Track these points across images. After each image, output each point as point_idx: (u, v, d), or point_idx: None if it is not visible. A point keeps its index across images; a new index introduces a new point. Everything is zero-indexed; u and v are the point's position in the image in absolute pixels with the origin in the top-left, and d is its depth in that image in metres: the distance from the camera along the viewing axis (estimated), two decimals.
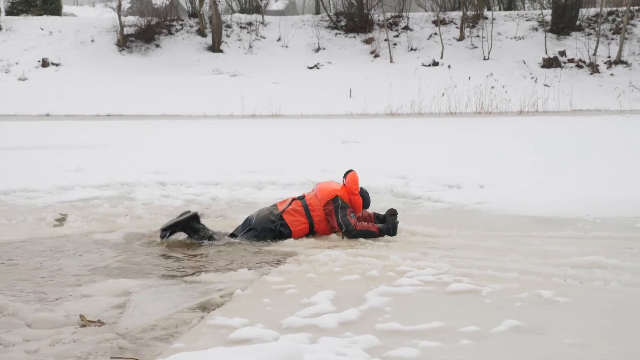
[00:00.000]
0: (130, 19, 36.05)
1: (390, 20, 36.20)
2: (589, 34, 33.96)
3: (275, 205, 7.19)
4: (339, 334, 4.18)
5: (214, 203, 8.86)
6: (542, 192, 8.89)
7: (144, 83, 30.08)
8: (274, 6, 46.40)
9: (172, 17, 36.51)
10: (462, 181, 9.68)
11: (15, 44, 34.38)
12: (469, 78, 28.08)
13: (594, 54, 32.24)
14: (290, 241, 6.79)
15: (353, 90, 28.42)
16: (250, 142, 15.29)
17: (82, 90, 28.82)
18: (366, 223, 6.96)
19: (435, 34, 34.71)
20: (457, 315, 4.47)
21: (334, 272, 5.58)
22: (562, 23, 34.13)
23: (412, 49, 34.33)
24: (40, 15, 37.61)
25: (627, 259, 5.71)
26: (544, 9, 36.24)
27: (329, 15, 36.73)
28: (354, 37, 35.41)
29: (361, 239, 6.79)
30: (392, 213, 7.12)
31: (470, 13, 35.89)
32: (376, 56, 33.95)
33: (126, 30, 34.85)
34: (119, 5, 35.03)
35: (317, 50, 34.52)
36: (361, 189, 7.19)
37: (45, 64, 33.06)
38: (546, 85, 29.20)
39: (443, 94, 26.24)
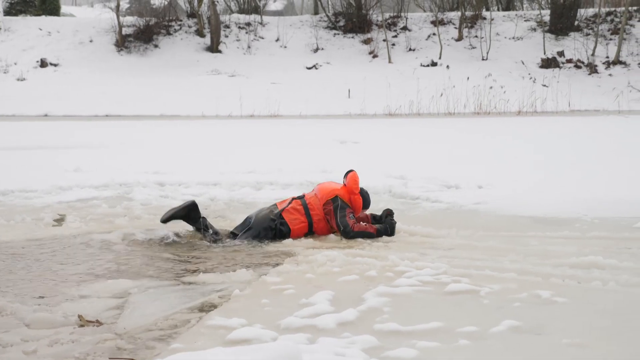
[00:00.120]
0: (129, 19, 36.02)
1: (389, 21, 36.20)
2: (588, 35, 33.97)
3: (275, 204, 7.21)
4: (337, 334, 4.19)
5: (212, 203, 8.86)
6: (541, 192, 8.89)
7: (142, 83, 30.06)
8: (272, 6, 46.43)
9: (171, 18, 36.49)
10: (461, 181, 9.69)
11: (13, 44, 34.35)
12: (468, 78, 28.08)
13: (593, 55, 32.25)
14: (288, 241, 6.80)
15: (351, 91, 28.42)
16: (248, 142, 15.28)
17: (80, 91, 28.80)
18: (364, 224, 6.97)
19: (434, 34, 34.71)
20: (455, 316, 4.47)
21: (332, 272, 5.58)
22: (561, 23, 34.14)
23: (410, 50, 34.33)
24: (39, 15, 37.59)
25: (626, 259, 5.72)
26: (543, 9, 36.25)
27: (327, 16, 36.72)
28: (353, 37, 35.40)
29: (359, 239, 6.80)
30: (389, 213, 7.13)
31: (468, 13, 35.89)
32: (375, 56, 33.95)
33: (125, 31, 34.83)
34: (118, 6, 35.01)
35: (316, 50, 34.52)
36: (361, 189, 7.20)
37: (43, 64, 33.04)
38: (544, 85, 29.20)
39: (441, 95, 26.23)
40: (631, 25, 34.04)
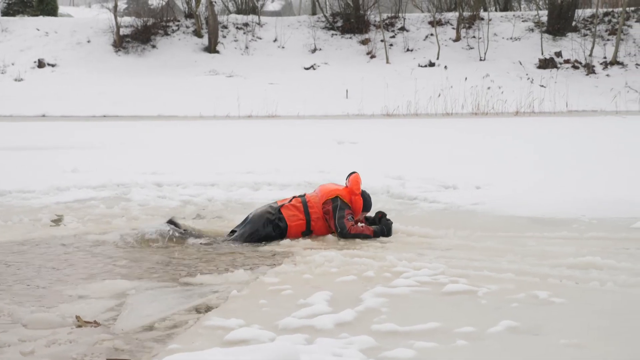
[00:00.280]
0: (127, 20, 36.00)
1: (387, 21, 36.21)
2: (585, 35, 33.99)
3: (275, 202, 7.23)
4: (335, 334, 4.18)
5: (210, 204, 8.85)
6: (540, 193, 8.89)
7: (140, 84, 30.04)
8: (270, 7, 46.42)
9: (169, 18, 36.47)
10: (459, 182, 9.69)
11: (11, 45, 34.32)
12: (465, 79, 28.09)
13: (590, 55, 32.28)
14: (286, 242, 6.80)
15: (349, 91, 28.42)
16: (246, 143, 15.27)
17: (78, 91, 28.78)
18: (361, 226, 6.97)
19: (432, 34, 34.72)
20: (453, 316, 4.47)
21: (330, 272, 5.58)
22: (558, 24, 34.16)
23: (408, 50, 34.34)
24: (37, 15, 37.56)
25: (623, 259, 5.72)
26: (540, 9, 36.27)
27: (325, 16, 36.72)
28: (350, 37, 35.41)
29: (357, 240, 6.80)
30: (382, 216, 7.12)
31: (466, 14, 35.91)
32: (372, 57, 33.96)
33: (122, 31, 34.81)
34: (115, 6, 34.99)
35: (314, 51, 34.52)
36: (363, 191, 7.21)
37: (41, 64, 33.01)
38: (542, 86, 29.22)
39: (439, 95, 26.24)
40: (629, 26, 34.07)
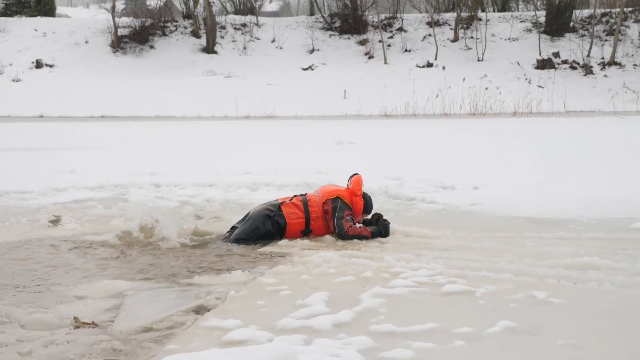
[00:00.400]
0: (124, 20, 35.98)
1: (385, 22, 36.22)
2: (583, 36, 34.02)
3: (276, 199, 7.24)
4: (333, 335, 4.18)
5: (208, 204, 8.85)
6: (538, 193, 8.90)
7: (138, 84, 30.03)
8: (268, 7, 46.37)
9: (166, 19, 36.45)
10: (457, 182, 9.69)
11: (8, 45, 34.30)
12: (463, 79, 28.11)
13: (588, 56, 32.31)
14: (284, 242, 6.80)
15: (347, 92, 28.43)
16: (244, 143, 15.27)
17: (76, 92, 28.76)
18: (359, 227, 6.97)
19: (430, 35, 34.74)
20: (451, 317, 4.47)
21: (328, 273, 5.58)
22: (556, 24, 34.20)
23: (406, 50, 34.35)
24: (34, 16, 37.52)
25: (621, 260, 5.72)
26: (538, 10, 36.30)
27: (323, 17, 36.73)
28: (348, 38, 35.42)
29: (355, 240, 6.80)
30: (379, 217, 7.12)
31: (464, 14, 35.92)
32: (370, 57, 33.98)
33: (120, 32, 34.79)
34: (113, 7, 34.98)
35: (312, 51, 34.52)
36: (364, 193, 7.20)
37: (39, 65, 32.99)
38: (540, 86, 29.25)
39: (437, 95, 26.26)
40: (626, 27, 34.10)
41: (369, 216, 7.22)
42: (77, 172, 11.02)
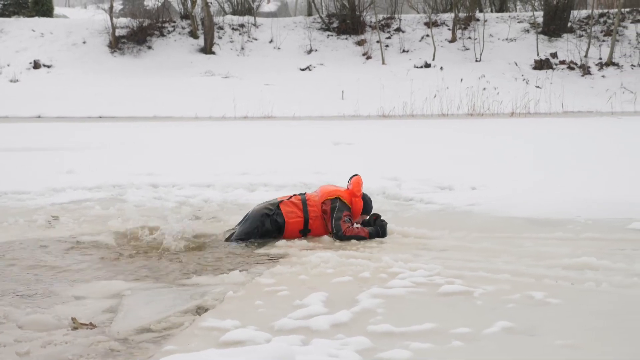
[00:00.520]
0: (122, 21, 35.95)
1: (382, 22, 36.21)
2: (581, 36, 34.04)
3: (275, 198, 7.24)
4: (331, 335, 4.18)
5: (206, 205, 8.84)
6: (536, 193, 8.89)
7: (136, 85, 30.01)
8: (266, 8, 46.41)
9: (164, 19, 36.43)
10: (455, 183, 9.69)
11: (6, 46, 34.27)
12: (461, 80, 28.09)
13: (586, 56, 32.32)
14: (282, 243, 6.80)
15: (345, 92, 28.43)
16: (242, 144, 15.27)
17: (74, 92, 28.74)
18: (357, 227, 6.97)
19: (427, 35, 34.74)
20: (449, 317, 4.47)
21: (326, 273, 5.58)
22: (554, 25, 34.21)
23: (404, 51, 34.36)
24: (32, 16, 37.49)
25: (619, 260, 5.73)
26: (536, 10, 36.30)
27: (321, 17, 36.72)
28: (346, 38, 35.42)
29: (353, 241, 6.80)
30: (376, 217, 7.13)
31: (462, 15, 35.93)
32: (368, 58, 33.98)
33: (118, 32, 34.76)
34: (111, 7, 34.96)
35: (309, 52, 34.52)
36: (364, 194, 7.20)
37: (36, 65, 32.97)
38: (538, 87, 29.25)
39: (435, 96, 26.26)
40: (624, 27, 34.12)
41: (368, 217, 7.23)
42: (75, 172, 11.01)
